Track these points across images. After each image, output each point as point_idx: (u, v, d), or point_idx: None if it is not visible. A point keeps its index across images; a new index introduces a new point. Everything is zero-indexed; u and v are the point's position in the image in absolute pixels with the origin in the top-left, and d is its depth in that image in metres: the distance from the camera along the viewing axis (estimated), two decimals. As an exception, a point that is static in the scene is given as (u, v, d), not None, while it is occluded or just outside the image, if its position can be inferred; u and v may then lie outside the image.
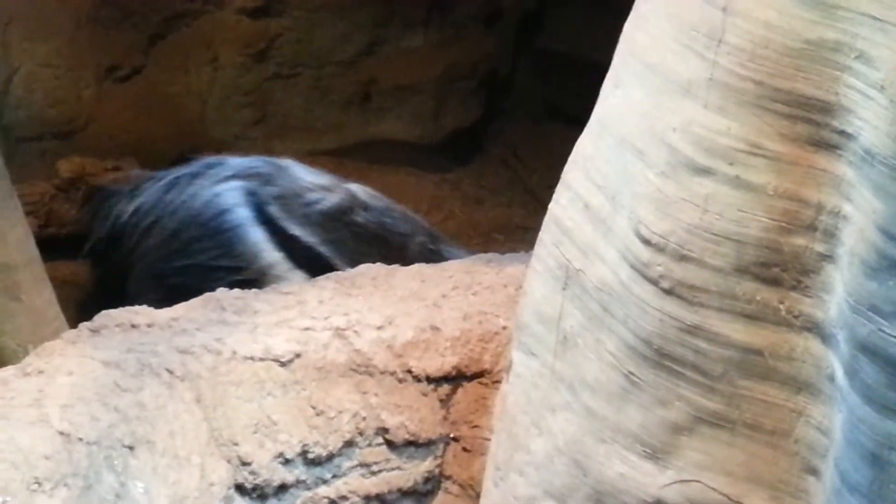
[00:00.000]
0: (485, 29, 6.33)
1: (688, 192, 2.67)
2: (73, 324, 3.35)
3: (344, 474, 3.17)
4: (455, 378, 3.32)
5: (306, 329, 3.26)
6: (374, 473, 3.20)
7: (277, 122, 6.06)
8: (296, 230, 4.77)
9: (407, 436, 3.23)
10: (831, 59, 2.50)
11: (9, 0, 5.38)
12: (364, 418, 3.19)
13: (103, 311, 3.25)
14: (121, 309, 3.27)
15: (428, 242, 4.83)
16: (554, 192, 3.06)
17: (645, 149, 2.76)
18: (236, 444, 3.04)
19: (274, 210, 4.80)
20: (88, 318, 3.25)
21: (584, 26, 6.05)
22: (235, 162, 4.95)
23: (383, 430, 3.21)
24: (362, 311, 3.36)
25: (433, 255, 4.59)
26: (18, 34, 5.55)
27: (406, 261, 3.76)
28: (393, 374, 3.26)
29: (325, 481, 3.14)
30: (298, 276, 4.58)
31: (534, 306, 3.09)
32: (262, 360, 3.16)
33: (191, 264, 4.81)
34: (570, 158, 3.04)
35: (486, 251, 4.15)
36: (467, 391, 3.32)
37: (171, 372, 3.03)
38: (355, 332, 3.28)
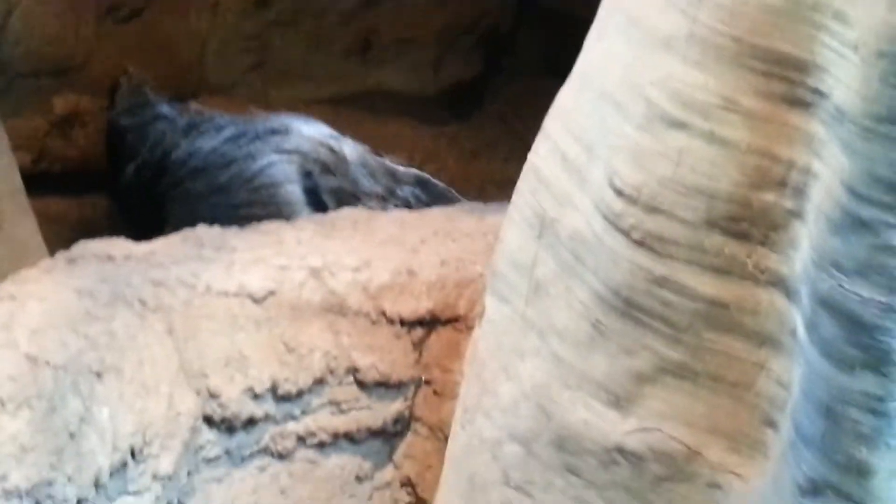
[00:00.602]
0: (487, -15, 6.33)
1: (662, 145, 2.69)
2: (61, 260, 3.35)
3: (313, 411, 3.18)
4: (429, 322, 3.33)
5: (282, 268, 3.27)
6: (343, 412, 3.21)
7: (276, 69, 6.04)
8: None
9: (377, 376, 3.24)
10: (809, 17, 2.51)
11: (11, -64, 5.39)
12: (335, 357, 3.20)
13: (81, 241, 3.26)
14: (98, 240, 3.28)
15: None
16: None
17: (623, 102, 2.78)
18: (206, 377, 3.05)
19: (327, 200, 4.76)
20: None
21: (588, -15, 6.03)
22: (299, 135, 4.88)
23: (354, 370, 3.22)
24: (340, 252, 3.37)
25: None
26: (19, -29, 5.55)
27: None
28: (367, 315, 3.27)
29: (294, 417, 3.16)
30: None
31: (509, 254, 3.10)
32: (236, 295, 3.17)
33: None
34: (551, 109, 3.06)
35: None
36: (441, 336, 3.33)
37: (143, 303, 3.04)
38: (331, 272, 3.29)
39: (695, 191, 2.65)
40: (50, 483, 2.66)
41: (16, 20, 5.47)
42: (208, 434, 3.04)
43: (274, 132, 4.86)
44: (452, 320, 3.34)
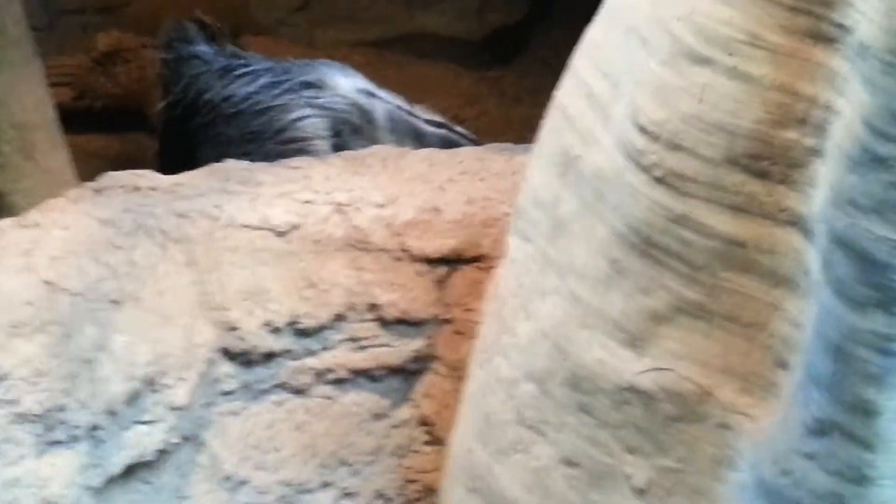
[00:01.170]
0: (534, -72, 6.28)
1: (686, 81, 2.66)
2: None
3: (332, 347, 3.18)
4: (452, 261, 3.32)
5: (307, 202, 3.27)
6: (362, 349, 3.21)
7: (321, 9, 6.04)
8: None
9: (398, 314, 3.24)
10: (835, -50, 2.47)
11: None
12: (356, 293, 3.20)
13: (108, 173, 3.28)
14: (126, 171, 3.30)
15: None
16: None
17: (650, 37, 2.75)
18: (225, 309, 3.06)
19: None
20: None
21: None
22: (334, 90, 4.86)
23: (375, 307, 3.22)
24: (366, 188, 3.36)
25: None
26: None
27: None
28: (390, 252, 3.27)
29: (312, 353, 3.16)
30: None
31: (532, 192, 3.08)
32: (258, 228, 3.17)
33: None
34: (580, 46, 3.03)
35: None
36: (464, 274, 3.32)
37: (165, 233, 3.05)
38: (356, 208, 3.29)
39: (716, 128, 2.62)
40: (62, 409, 2.68)
41: (62, -43, 5.50)
42: (226, 367, 3.04)
43: (309, 85, 4.85)
44: (476, 259, 3.33)
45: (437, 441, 3.26)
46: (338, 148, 4.77)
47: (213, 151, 4.67)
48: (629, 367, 2.76)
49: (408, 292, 3.25)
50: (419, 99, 5.02)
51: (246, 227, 3.17)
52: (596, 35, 2.98)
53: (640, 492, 2.75)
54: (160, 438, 2.88)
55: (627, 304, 2.77)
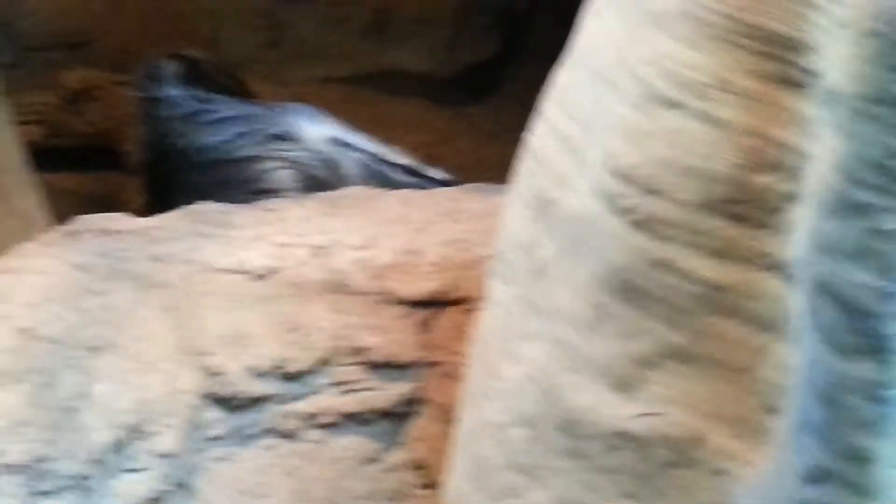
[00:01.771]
0: (502, -35, 6.29)
1: (657, 125, 2.65)
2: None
3: (320, 391, 3.16)
4: (434, 303, 3.30)
5: (284, 245, 3.25)
6: (349, 392, 3.19)
7: (291, 46, 6.03)
8: None
9: (383, 357, 3.22)
10: (799, -5, 2.47)
11: None
12: (340, 337, 3.19)
13: (80, 216, 3.25)
14: (97, 214, 3.27)
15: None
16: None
17: (618, 81, 2.74)
18: (208, 354, 3.04)
19: None
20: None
21: (606, -33, 5.97)
22: (304, 143, 4.87)
23: (359, 350, 3.20)
24: (343, 231, 3.35)
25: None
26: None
27: None
28: (370, 295, 3.25)
29: (299, 397, 3.14)
30: None
31: (510, 236, 3.07)
32: (237, 272, 3.15)
33: None
34: (548, 91, 3.03)
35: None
36: (447, 316, 3.31)
37: (141, 278, 3.03)
38: (334, 251, 3.27)
39: (691, 172, 2.61)
40: (48, 459, 2.65)
41: (28, -7, 5.46)
42: (212, 412, 3.02)
43: (278, 137, 4.87)
44: (458, 302, 3.32)
45: (431, 485, 3.24)
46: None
47: (183, 197, 4.69)
48: (619, 411, 2.74)
49: (391, 335, 3.23)
50: (392, 137, 5.01)
51: (224, 270, 3.15)
52: (563, 80, 2.98)
53: (637, 536, 2.73)
54: (149, 486, 2.86)
55: (613, 348, 2.75)
